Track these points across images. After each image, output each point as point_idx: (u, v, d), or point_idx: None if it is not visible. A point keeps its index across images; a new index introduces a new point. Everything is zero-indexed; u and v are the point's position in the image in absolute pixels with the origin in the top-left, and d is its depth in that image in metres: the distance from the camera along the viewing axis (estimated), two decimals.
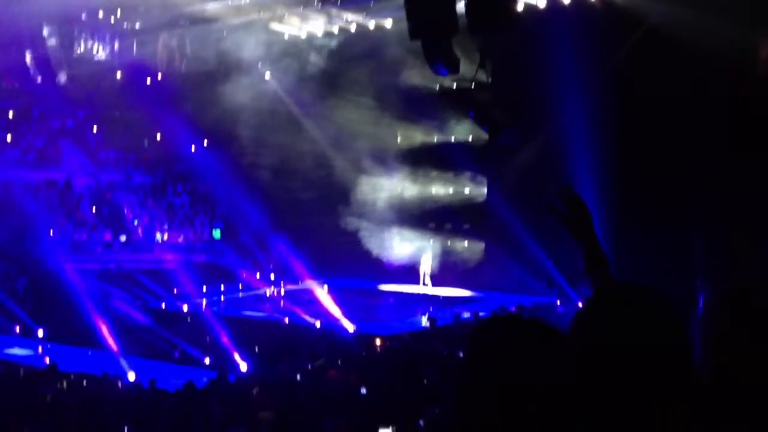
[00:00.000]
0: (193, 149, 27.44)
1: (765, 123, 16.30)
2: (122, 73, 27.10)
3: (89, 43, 25.41)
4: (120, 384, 13.24)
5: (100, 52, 26.05)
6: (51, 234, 23.51)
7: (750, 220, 16.30)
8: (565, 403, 1.68)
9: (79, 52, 25.38)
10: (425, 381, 11.34)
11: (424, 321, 17.79)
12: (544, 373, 1.71)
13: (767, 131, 16.37)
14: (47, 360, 15.18)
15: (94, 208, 25.75)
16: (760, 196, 16.07)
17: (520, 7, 17.62)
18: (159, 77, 26.86)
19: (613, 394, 1.71)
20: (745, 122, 16.68)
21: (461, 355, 1.86)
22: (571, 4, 19.50)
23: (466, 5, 14.03)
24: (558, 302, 19.71)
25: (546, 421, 1.68)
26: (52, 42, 24.12)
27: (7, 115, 25.91)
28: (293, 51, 25.14)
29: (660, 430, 1.69)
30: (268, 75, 26.38)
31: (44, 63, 24.82)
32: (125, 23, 24.65)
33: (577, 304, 18.10)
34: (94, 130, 27.27)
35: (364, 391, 10.91)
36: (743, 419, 1.86)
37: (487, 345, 1.79)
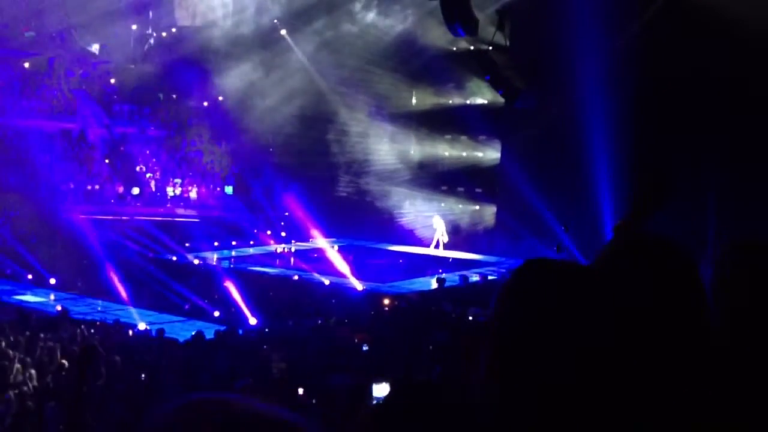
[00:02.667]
0: (206, 104, 27.43)
1: None
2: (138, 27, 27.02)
3: None
4: (130, 332, 13.40)
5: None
6: (65, 184, 23.64)
7: (763, 183, 16.33)
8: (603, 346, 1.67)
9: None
10: (430, 341, 11.42)
11: (433, 282, 17.84)
12: (585, 316, 1.69)
13: None
14: (59, 307, 15.39)
15: (107, 159, 25.84)
16: None
17: None
18: (174, 31, 26.76)
19: (637, 338, 1.75)
20: (763, 88, 16.46)
21: (490, 307, 1.76)
22: None
23: None
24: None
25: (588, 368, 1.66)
26: None
27: (24, 65, 25.92)
28: (312, 12, 24.94)
29: (677, 371, 1.76)
30: (284, 32, 26.20)
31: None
32: None
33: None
34: (111, 82, 27.25)
35: (366, 348, 11.00)
36: (748, 360, 1.92)
37: (521, 291, 1.75)
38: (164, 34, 26.62)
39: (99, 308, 16.89)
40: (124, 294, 17.04)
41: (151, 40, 26.88)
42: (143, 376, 9.95)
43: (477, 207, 24.24)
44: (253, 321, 15.59)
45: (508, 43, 21.10)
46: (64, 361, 10.39)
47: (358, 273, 18.72)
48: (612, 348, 1.65)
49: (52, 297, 17.76)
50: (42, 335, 11.76)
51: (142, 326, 14.49)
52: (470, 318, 13.16)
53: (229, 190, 27.01)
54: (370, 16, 24.65)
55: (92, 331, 12.81)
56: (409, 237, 24.05)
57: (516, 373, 1.65)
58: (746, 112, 16.88)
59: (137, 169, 26.12)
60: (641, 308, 1.83)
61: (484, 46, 21.48)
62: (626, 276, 1.90)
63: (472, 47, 22.45)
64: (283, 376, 8.95)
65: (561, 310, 1.66)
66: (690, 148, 17.71)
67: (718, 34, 16.62)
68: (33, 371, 10.09)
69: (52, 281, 18.76)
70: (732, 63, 16.86)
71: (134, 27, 26.61)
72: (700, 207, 16.74)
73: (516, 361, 1.65)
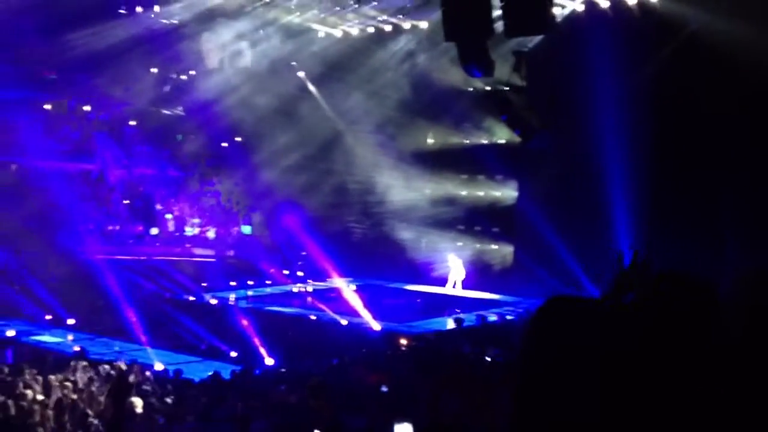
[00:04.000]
0: (225, 145, 27.69)
1: None
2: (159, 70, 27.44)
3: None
4: (147, 373, 13.36)
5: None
6: (84, 225, 23.84)
7: None
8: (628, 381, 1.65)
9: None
10: (449, 382, 11.30)
11: (450, 322, 17.72)
12: (609, 352, 1.68)
13: None
14: (77, 348, 15.41)
15: (126, 200, 26.07)
16: None
17: (557, 11, 17.50)
18: (193, 74, 27.14)
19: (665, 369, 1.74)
20: None
21: (504, 350, 1.73)
22: (609, 9, 19.33)
23: (503, 8, 13.97)
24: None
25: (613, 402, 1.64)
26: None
27: (44, 106, 26.33)
28: (328, 51, 25.24)
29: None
30: (302, 74, 26.52)
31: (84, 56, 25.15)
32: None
33: None
34: (131, 124, 27.61)
35: (385, 389, 10.90)
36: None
37: (546, 327, 1.74)
38: (184, 76, 27.01)
39: (116, 348, 16.90)
40: (141, 334, 17.06)
41: (171, 83, 27.25)
42: (160, 419, 9.91)
43: (494, 246, 24.18)
44: (269, 361, 15.53)
45: (524, 83, 21.20)
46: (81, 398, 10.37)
47: (374, 313, 18.65)
48: (636, 385, 1.63)
49: (70, 337, 17.79)
50: (58, 375, 11.77)
51: (159, 366, 14.47)
52: (488, 359, 13.04)
53: (246, 229, 27.13)
54: (386, 56, 24.90)
55: (111, 371, 12.80)
56: (426, 276, 23.98)
57: (541, 409, 1.64)
58: (762, 150, 16.84)
59: (156, 209, 26.33)
60: (663, 345, 1.81)
61: (501, 86, 21.61)
62: (649, 313, 1.89)
63: (488, 87, 22.60)
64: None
65: (584, 347, 1.65)
66: (707, 185, 17.67)
67: (732, 74, 16.66)
68: (51, 412, 10.07)
69: (71, 321, 18.82)
70: (745, 101, 16.88)
71: (154, 70, 27.00)
72: (717, 244, 16.64)
73: (541, 398, 1.65)
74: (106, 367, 12.84)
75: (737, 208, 17.23)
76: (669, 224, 17.88)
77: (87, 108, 26.91)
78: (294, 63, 26.23)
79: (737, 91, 16.86)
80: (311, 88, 26.47)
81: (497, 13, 14.29)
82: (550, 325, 1.72)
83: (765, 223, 16.51)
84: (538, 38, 19.26)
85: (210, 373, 12.92)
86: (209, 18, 23.56)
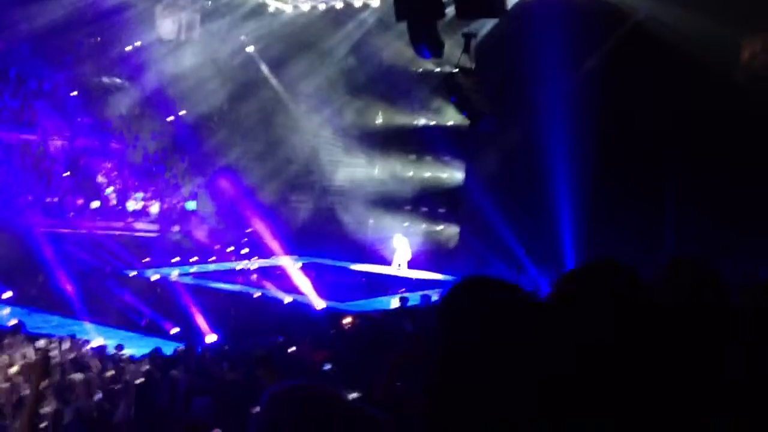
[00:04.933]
0: (171, 119, 27.22)
1: (742, 119, 16.58)
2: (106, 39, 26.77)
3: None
4: (86, 348, 13.14)
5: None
6: (23, 196, 23.23)
7: (721, 207, 16.76)
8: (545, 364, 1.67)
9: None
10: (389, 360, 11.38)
11: (395, 301, 17.82)
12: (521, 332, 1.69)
13: (744, 127, 16.65)
14: (13, 322, 15.05)
15: (67, 172, 25.45)
16: (735, 188, 16.54)
17: None
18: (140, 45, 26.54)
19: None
20: (721, 116, 16.90)
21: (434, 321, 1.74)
22: None
23: None
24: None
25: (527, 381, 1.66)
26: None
27: None
28: (278, 27, 24.97)
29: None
30: (251, 49, 26.19)
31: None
32: None
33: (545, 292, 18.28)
34: (73, 94, 26.90)
35: (328, 366, 10.94)
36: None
37: (461, 304, 1.75)
38: (129, 47, 26.40)
39: (54, 323, 16.57)
40: (80, 309, 16.75)
41: (117, 54, 26.62)
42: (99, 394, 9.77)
43: (440, 227, 24.35)
44: (212, 338, 15.42)
45: (473, 67, 21.30)
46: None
47: (319, 291, 18.64)
48: (534, 374, 1.64)
49: (6, 311, 17.37)
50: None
51: (98, 341, 14.22)
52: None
53: (191, 205, 26.76)
54: (336, 34, 24.74)
55: (50, 345, 12.55)
56: (372, 256, 24.04)
57: (447, 392, 1.65)
58: (705, 138, 17.30)
59: (98, 181, 25.77)
60: (568, 333, 1.80)
61: (450, 69, 21.67)
62: (571, 301, 1.91)
63: (438, 69, 22.66)
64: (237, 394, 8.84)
65: (488, 333, 1.66)
66: (650, 173, 18.09)
67: (677, 63, 17.03)
68: None
69: (7, 294, 18.36)
70: (689, 90, 17.30)
71: (98, 39, 26.34)
72: (657, 229, 17.08)
73: (448, 382, 1.66)
74: (42, 342, 12.60)
75: (679, 195, 17.70)
76: (611, 210, 18.26)
77: (27, 77, 26.12)
78: (243, 37, 25.88)
79: (682, 79, 17.24)
80: (260, 63, 26.16)
81: None
82: (456, 307, 1.73)
83: (705, 211, 17.00)
84: (490, 22, 19.37)
85: (151, 350, 12.76)
86: None
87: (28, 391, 9.51)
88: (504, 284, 1.76)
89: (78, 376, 10.05)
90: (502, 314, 1.68)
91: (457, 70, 21.45)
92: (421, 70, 23.71)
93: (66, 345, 12.82)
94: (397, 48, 22.41)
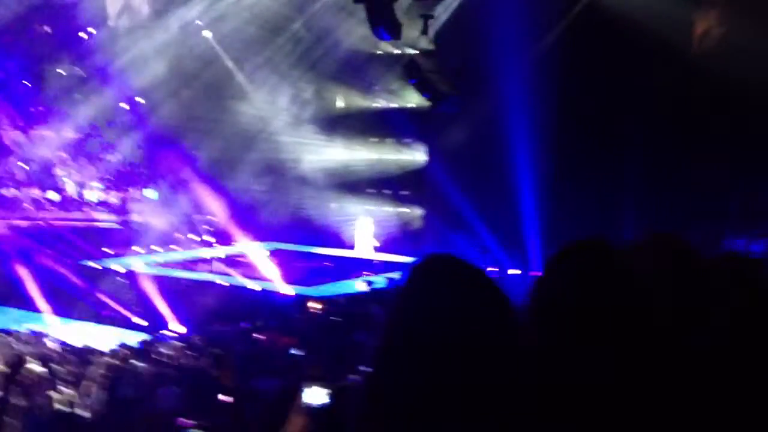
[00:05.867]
0: (128, 107, 26.78)
1: (698, 97, 16.82)
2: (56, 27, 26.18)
3: None
4: (50, 342, 12.95)
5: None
6: None
7: (678, 182, 17.07)
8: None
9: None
10: (356, 343, 11.39)
11: (361, 285, 17.85)
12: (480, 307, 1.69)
13: (700, 106, 16.90)
14: None
15: (23, 163, 24.94)
16: (693, 166, 16.84)
17: None
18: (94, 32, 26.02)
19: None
20: (678, 95, 17.13)
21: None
22: None
23: None
24: (488, 270, 19.97)
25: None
26: None
27: None
28: (233, 10, 24.64)
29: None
30: (206, 33, 25.82)
31: None
32: None
33: (508, 273, 18.46)
34: (26, 84, 26.32)
35: (296, 352, 10.91)
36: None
37: (414, 287, 1.75)
38: (83, 34, 25.86)
39: (14, 316, 16.29)
40: (40, 303, 16.49)
41: (70, 41, 26.06)
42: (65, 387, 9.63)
43: (404, 209, 24.38)
44: (177, 328, 15.30)
45: (432, 48, 21.28)
46: None
47: (284, 276, 18.57)
48: (499, 349, 1.65)
49: None
50: None
51: (60, 335, 14.03)
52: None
53: (151, 194, 26.42)
54: (294, 16, 24.50)
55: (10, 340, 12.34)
56: (336, 240, 24.00)
57: (399, 368, 1.65)
58: (663, 116, 17.54)
59: (54, 172, 25.30)
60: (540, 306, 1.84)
61: (410, 50, 21.64)
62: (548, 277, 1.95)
63: (397, 51, 22.60)
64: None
65: (445, 310, 1.67)
66: (610, 152, 18.30)
67: (633, 41, 17.19)
68: None
69: None
70: (644, 66, 17.51)
71: (48, 29, 25.75)
72: (618, 208, 17.31)
73: (400, 358, 1.66)
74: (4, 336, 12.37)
75: (638, 171, 17.93)
76: (573, 188, 18.45)
77: None
78: (199, 21, 25.48)
79: (639, 55, 17.42)
80: (216, 46, 25.81)
81: None
82: (417, 285, 1.74)
83: (665, 189, 17.28)
84: (448, 2, 19.34)
85: (116, 341, 12.62)
86: None
87: None
88: (463, 262, 1.77)
89: (40, 370, 9.89)
90: (460, 289, 1.70)
91: (416, 51, 21.49)
92: (380, 52, 23.61)
93: (27, 339, 12.61)
94: (355, 30, 22.27)
